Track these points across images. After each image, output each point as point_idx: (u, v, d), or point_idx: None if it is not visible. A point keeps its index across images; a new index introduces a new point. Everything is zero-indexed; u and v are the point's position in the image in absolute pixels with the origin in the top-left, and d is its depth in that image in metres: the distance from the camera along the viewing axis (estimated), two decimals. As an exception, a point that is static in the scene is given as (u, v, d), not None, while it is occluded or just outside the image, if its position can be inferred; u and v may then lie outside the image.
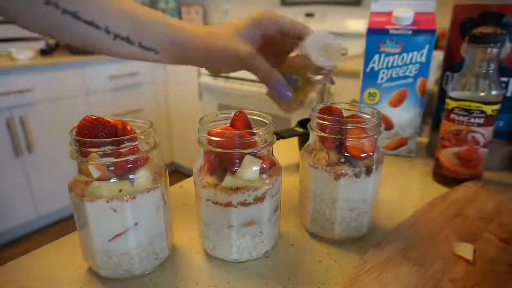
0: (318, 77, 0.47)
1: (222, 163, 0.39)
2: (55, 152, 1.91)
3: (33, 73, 1.80)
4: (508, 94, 0.62)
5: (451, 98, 0.57)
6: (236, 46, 0.45)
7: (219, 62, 0.47)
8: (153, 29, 0.44)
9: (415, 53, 0.65)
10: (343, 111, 0.44)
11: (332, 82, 0.50)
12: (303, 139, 0.65)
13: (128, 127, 0.38)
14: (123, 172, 0.36)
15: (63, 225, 2.04)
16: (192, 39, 0.45)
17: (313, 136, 0.45)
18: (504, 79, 0.61)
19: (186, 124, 2.43)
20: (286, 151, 0.72)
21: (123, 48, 0.43)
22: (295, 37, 0.47)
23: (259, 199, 0.39)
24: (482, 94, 0.54)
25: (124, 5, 0.43)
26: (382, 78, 0.68)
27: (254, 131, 0.39)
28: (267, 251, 0.43)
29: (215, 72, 0.50)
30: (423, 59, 0.65)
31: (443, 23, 0.79)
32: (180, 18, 2.83)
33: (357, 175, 0.42)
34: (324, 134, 0.42)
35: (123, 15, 0.42)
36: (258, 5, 2.46)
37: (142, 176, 0.37)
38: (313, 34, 0.46)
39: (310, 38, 0.46)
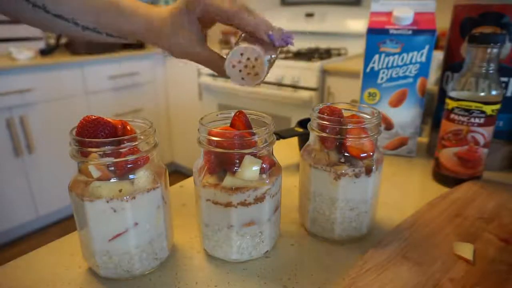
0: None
1: (222, 163, 0.39)
2: (55, 152, 1.91)
3: (33, 73, 1.80)
4: (508, 94, 0.62)
5: (451, 98, 0.57)
6: (169, 39, 0.43)
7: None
8: (115, 22, 0.44)
9: (415, 53, 0.65)
10: (343, 111, 0.44)
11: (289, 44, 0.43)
12: (303, 139, 0.65)
13: (128, 127, 0.38)
14: (123, 172, 0.36)
15: (63, 225, 2.04)
16: (149, 27, 0.44)
17: (313, 136, 0.45)
18: (504, 79, 0.61)
19: (186, 124, 2.43)
20: (286, 151, 0.72)
21: (94, 36, 0.45)
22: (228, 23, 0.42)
23: (259, 199, 0.39)
24: (482, 94, 0.54)
25: None
26: (382, 78, 0.68)
27: (254, 131, 0.39)
28: (267, 251, 0.43)
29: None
30: (423, 59, 0.65)
31: (443, 23, 0.79)
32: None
33: (357, 175, 0.42)
34: (324, 134, 0.42)
35: (86, 9, 0.43)
36: (258, 5, 2.46)
37: (142, 176, 0.37)
38: (231, 53, 0.40)
39: (229, 56, 0.40)
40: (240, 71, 0.41)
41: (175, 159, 2.63)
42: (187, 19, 0.42)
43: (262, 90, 1.87)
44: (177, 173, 2.61)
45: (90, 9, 0.43)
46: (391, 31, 0.65)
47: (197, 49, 0.43)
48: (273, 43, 0.41)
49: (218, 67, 0.44)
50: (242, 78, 0.41)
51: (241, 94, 2.00)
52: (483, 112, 0.54)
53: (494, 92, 0.54)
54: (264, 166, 0.39)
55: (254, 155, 0.38)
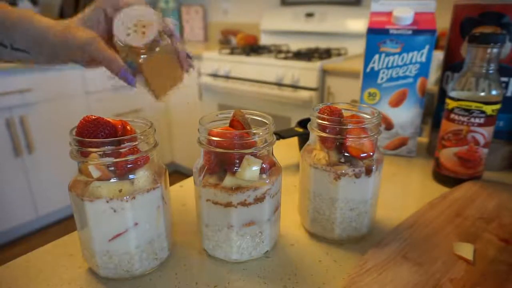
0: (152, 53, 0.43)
1: (222, 163, 0.39)
2: (55, 152, 1.91)
3: (33, 73, 1.80)
4: (508, 94, 0.62)
5: (451, 98, 0.57)
6: (74, 33, 0.43)
7: (69, 54, 0.45)
8: (19, 32, 0.43)
9: (415, 53, 0.65)
10: (343, 111, 0.44)
11: (189, 68, 0.47)
12: (303, 139, 0.65)
13: (128, 127, 0.38)
14: (123, 172, 0.36)
15: (63, 225, 2.04)
16: (53, 35, 0.43)
17: (313, 136, 0.45)
18: (504, 79, 0.61)
19: (186, 124, 2.43)
20: (286, 151, 0.72)
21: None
22: None
23: (259, 199, 0.39)
24: (482, 94, 0.54)
25: None
26: (382, 78, 0.68)
27: (254, 131, 0.39)
28: (267, 251, 0.43)
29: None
30: (423, 59, 0.65)
31: (443, 23, 0.79)
32: (180, 18, 2.82)
33: (357, 175, 0.42)
34: (324, 134, 0.42)
35: None
36: (258, 5, 2.46)
37: (142, 176, 0.37)
38: (124, 10, 0.42)
39: (120, 14, 0.41)
40: (128, 28, 0.42)
41: (175, 159, 2.63)
42: (96, 19, 0.44)
43: (262, 90, 1.87)
44: (177, 173, 2.61)
45: None
46: (391, 31, 0.65)
47: (94, 47, 0.43)
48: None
49: (114, 66, 0.43)
50: (128, 34, 0.42)
51: (241, 94, 2.00)
52: (483, 112, 0.54)
53: (494, 92, 0.54)
54: (264, 166, 0.39)
55: (254, 155, 0.38)
